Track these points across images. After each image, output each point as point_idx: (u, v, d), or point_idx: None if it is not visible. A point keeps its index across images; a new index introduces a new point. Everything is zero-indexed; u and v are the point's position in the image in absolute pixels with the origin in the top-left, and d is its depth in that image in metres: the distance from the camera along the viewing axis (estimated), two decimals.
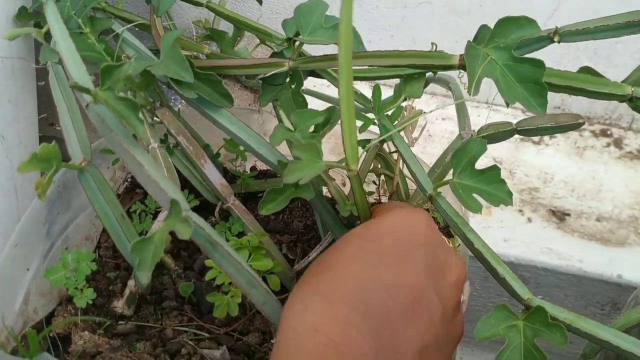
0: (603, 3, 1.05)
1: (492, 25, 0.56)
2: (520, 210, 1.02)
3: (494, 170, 0.53)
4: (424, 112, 0.65)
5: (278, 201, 0.58)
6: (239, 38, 0.85)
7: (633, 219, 1.01)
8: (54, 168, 0.53)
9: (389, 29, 1.18)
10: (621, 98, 0.56)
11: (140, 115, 0.54)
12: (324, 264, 0.47)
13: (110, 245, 0.72)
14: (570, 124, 0.61)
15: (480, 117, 1.21)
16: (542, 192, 1.06)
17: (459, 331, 0.50)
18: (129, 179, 0.79)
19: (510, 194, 0.54)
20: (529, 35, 0.55)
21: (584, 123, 0.61)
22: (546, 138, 1.15)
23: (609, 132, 1.17)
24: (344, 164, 0.51)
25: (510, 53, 0.54)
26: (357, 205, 0.56)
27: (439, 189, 0.57)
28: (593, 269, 0.93)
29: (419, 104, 0.70)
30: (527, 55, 0.53)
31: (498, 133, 0.65)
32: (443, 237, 0.53)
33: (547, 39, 0.57)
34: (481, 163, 0.54)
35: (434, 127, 1.17)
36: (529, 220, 1.01)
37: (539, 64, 0.52)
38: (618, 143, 1.16)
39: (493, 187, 0.54)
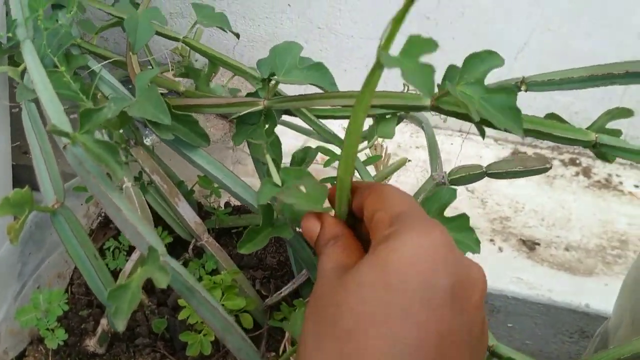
0: (570, 39, 1.08)
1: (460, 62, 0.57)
2: (492, 240, 1.04)
3: (462, 218, 0.55)
4: (409, 160, 0.66)
5: (257, 240, 0.59)
6: (213, 74, 0.85)
7: (601, 248, 1.04)
8: (26, 213, 0.53)
9: (364, 58, 1.20)
10: (585, 144, 0.58)
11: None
12: (341, 326, 0.39)
13: (83, 282, 0.72)
14: (538, 168, 0.63)
15: (453, 145, 1.23)
16: (513, 221, 1.08)
17: (486, 344, 0.43)
18: (103, 215, 0.79)
19: (478, 242, 0.55)
20: (494, 66, 0.57)
21: (550, 167, 0.63)
22: None
23: (577, 162, 1.20)
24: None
25: (482, 86, 0.55)
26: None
27: None
28: (562, 298, 0.95)
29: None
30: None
31: (468, 176, 0.66)
32: (457, 248, 0.43)
33: (515, 87, 0.59)
34: None
35: (408, 155, 1.19)
36: (500, 249, 1.02)
37: (511, 91, 0.54)
38: (587, 172, 1.18)
39: (462, 235, 0.55)
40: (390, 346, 0.38)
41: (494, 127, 0.55)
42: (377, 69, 0.41)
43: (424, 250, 0.40)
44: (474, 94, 0.54)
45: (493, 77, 1.12)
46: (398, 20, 0.37)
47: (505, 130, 0.54)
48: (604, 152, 0.59)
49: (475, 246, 0.53)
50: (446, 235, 0.41)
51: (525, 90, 0.60)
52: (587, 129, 0.61)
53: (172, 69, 1.01)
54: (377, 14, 1.13)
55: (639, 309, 0.56)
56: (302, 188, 0.49)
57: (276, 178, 0.59)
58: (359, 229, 0.48)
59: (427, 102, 0.58)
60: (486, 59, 0.55)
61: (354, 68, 1.21)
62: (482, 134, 0.62)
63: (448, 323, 0.39)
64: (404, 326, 0.38)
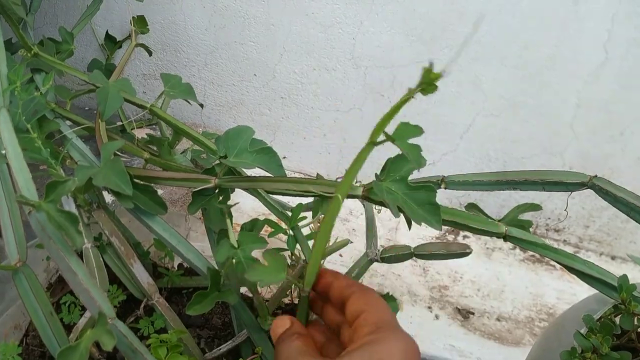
0: (510, 124, 1.18)
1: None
2: (430, 307, 1.11)
3: (391, 300, 0.62)
4: (351, 242, 0.73)
5: (204, 303, 0.66)
6: (177, 141, 0.92)
7: (529, 319, 1.11)
8: None
9: (322, 128, 1.28)
10: (497, 235, 0.66)
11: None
12: None
13: (38, 335, 0.76)
14: (458, 252, 0.71)
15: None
16: (451, 290, 1.15)
17: None
18: None
19: (397, 309, 0.63)
20: (415, 167, 0.65)
21: (470, 252, 0.71)
22: (459, 238, 1.25)
23: None
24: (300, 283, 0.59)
25: (405, 183, 0.63)
26: (300, 318, 0.63)
27: None
28: None
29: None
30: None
31: (398, 255, 0.73)
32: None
33: (437, 184, 0.67)
34: None
35: (358, 221, 1.26)
36: (437, 317, 1.10)
37: (430, 188, 0.62)
38: None
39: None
40: None
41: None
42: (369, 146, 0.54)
43: (402, 355, 0.49)
44: (397, 190, 0.62)
45: (438, 154, 1.21)
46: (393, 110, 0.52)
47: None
48: (514, 242, 0.67)
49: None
50: (414, 343, 0.51)
51: (445, 188, 0.68)
52: (500, 220, 0.69)
53: (139, 127, 1.08)
54: (334, 89, 1.22)
55: None
56: (263, 262, 0.58)
57: (233, 240, 0.66)
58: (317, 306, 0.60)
59: (359, 192, 0.66)
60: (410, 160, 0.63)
61: (313, 136, 1.29)
62: (409, 224, 0.70)
63: None
64: None
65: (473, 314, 1.11)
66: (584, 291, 1.20)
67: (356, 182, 0.70)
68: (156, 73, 1.29)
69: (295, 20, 1.15)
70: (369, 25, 1.12)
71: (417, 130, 0.54)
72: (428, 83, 0.47)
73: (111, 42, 1.23)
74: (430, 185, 0.62)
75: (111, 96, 0.84)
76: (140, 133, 1.07)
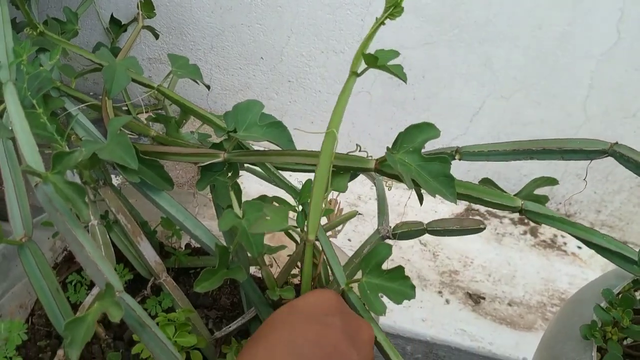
0: (521, 106, 1.16)
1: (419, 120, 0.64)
2: (440, 292, 1.09)
3: (398, 269, 0.60)
4: (359, 214, 0.72)
5: (212, 280, 0.64)
6: (184, 120, 0.91)
7: (541, 305, 1.10)
8: None
9: (330, 111, 1.26)
10: (513, 209, 0.64)
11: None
12: (258, 336, 0.56)
13: (44, 313, 0.75)
14: (472, 228, 0.69)
15: (410, 199, 1.30)
16: (462, 275, 1.13)
17: None
18: (68, 249, 0.83)
19: (413, 287, 0.61)
20: (431, 137, 0.63)
21: (484, 228, 0.69)
22: None
23: (526, 221, 1.27)
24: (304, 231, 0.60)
25: (419, 155, 0.62)
26: (304, 272, 0.62)
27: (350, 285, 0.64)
28: (502, 352, 1.00)
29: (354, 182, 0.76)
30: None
31: (411, 231, 0.72)
32: (350, 309, 0.61)
33: (451, 156, 0.65)
34: (408, 244, 0.62)
35: (366, 206, 1.25)
36: (447, 302, 1.08)
37: (445, 160, 0.61)
38: (534, 231, 1.25)
39: (397, 283, 0.61)
40: (295, 338, 0.53)
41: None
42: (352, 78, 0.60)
43: (319, 299, 0.59)
44: (411, 161, 0.60)
45: (447, 138, 1.20)
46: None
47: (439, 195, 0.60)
48: (530, 217, 0.65)
49: (411, 291, 0.59)
50: (338, 297, 0.60)
51: (460, 159, 0.66)
52: (516, 195, 0.67)
53: (146, 111, 1.07)
54: (342, 72, 1.20)
55: None
56: (267, 217, 0.58)
57: (237, 210, 0.64)
58: None
59: (371, 165, 0.64)
60: (424, 130, 0.61)
61: (321, 120, 1.28)
62: (420, 199, 0.69)
63: (339, 340, 0.54)
64: (303, 329, 0.54)
65: (484, 298, 1.09)
66: (596, 275, 1.18)
67: (368, 156, 0.69)
68: (162, 57, 1.28)
69: (303, 2, 1.13)
70: (378, 6, 1.11)
71: (393, 53, 0.59)
72: (394, 5, 0.50)
73: (116, 26, 1.21)
74: (445, 157, 0.61)
75: (118, 74, 0.83)
76: (144, 118, 1.05)
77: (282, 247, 0.75)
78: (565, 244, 1.23)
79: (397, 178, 0.65)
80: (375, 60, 0.57)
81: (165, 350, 0.55)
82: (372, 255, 0.61)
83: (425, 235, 0.75)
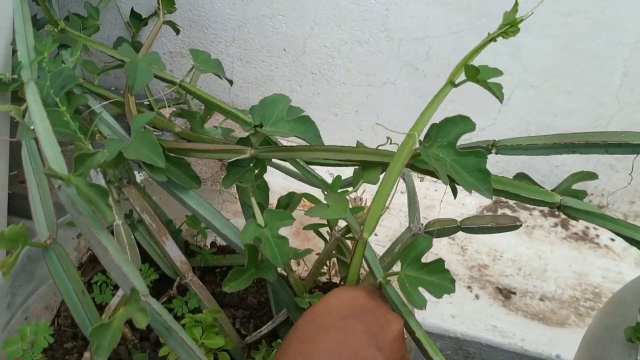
0: (552, 96, 1.13)
1: (450, 112, 0.62)
2: (469, 287, 1.07)
3: (438, 262, 0.58)
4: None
5: (241, 280, 0.63)
6: (208, 116, 0.89)
7: (574, 299, 1.07)
8: (20, 248, 0.56)
9: (354, 104, 1.24)
10: (551, 205, 0.62)
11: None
12: (282, 347, 0.55)
13: (70, 315, 0.74)
14: (508, 225, 0.66)
15: (437, 192, 1.27)
16: (491, 269, 1.11)
17: None
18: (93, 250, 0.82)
19: (453, 281, 0.59)
20: (466, 131, 0.61)
21: (520, 225, 0.67)
22: None
23: (556, 213, 1.24)
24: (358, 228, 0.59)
25: (454, 149, 0.59)
26: (351, 271, 0.61)
27: (388, 278, 0.62)
28: (534, 348, 0.98)
29: None
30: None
31: (444, 229, 0.70)
32: (382, 302, 0.60)
33: (487, 149, 0.63)
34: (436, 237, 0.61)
35: (393, 200, 1.22)
36: (477, 297, 1.05)
37: (481, 154, 0.58)
38: (565, 224, 1.22)
39: (437, 277, 0.59)
40: (312, 351, 0.52)
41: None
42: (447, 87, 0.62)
43: (341, 301, 0.57)
44: (446, 156, 0.58)
45: (475, 130, 1.17)
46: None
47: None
48: (569, 213, 0.63)
49: (451, 285, 0.57)
50: (366, 293, 0.58)
51: (496, 153, 0.64)
52: (553, 190, 0.65)
53: (168, 105, 1.06)
54: (367, 64, 1.18)
55: None
56: (326, 204, 0.59)
57: (260, 219, 0.62)
58: None
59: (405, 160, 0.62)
60: (459, 123, 0.59)
61: (345, 113, 1.25)
62: (454, 193, 0.66)
63: (361, 345, 0.52)
64: (321, 341, 0.52)
65: (515, 293, 1.06)
66: (630, 269, 1.15)
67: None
68: (183, 51, 1.26)
69: None
70: None
71: (496, 72, 0.59)
72: (511, 24, 0.48)
73: (136, 20, 1.20)
74: (481, 151, 0.58)
75: (140, 70, 0.81)
76: (166, 113, 1.04)
77: (308, 251, 0.73)
78: (597, 236, 1.19)
79: (431, 174, 0.63)
80: (477, 74, 0.56)
81: (192, 355, 0.54)
82: (411, 248, 0.59)
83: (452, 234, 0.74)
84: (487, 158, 0.59)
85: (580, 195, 0.67)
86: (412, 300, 0.58)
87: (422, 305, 0.58)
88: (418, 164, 0.62)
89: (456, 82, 0.60)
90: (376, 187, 0.62)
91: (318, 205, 0.61)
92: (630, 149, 0.55)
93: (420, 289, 0.59)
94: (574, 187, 0.68)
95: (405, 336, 0.60)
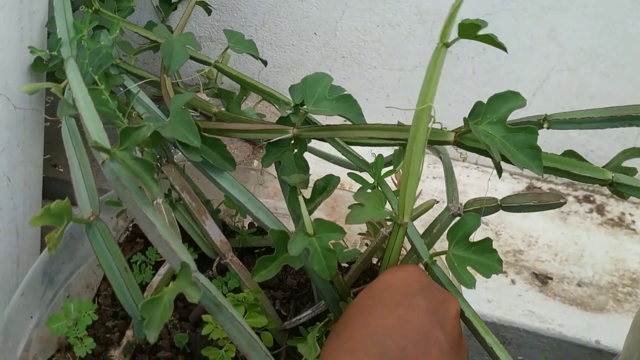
0: (588, 78, 1.11)
1: (483, 96, 0.60)
2: (505, 272, 1.05)
3: (486, 241, 0.57)
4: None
5: (270, 268, 0.61)
6: (244, 97, 0.88)
7: (612, 285, 1.05)
8: (65, 223, 0.56)
9: (385, 88, 1.23)
10: (602, 182, 0.60)
11: None
12: (341, 326, 0.54)
13: (110, 294, 0.74)
14: (552, 203, 0.65)
15: (469, 177, 1.26)
16: (526, 254, 1.09)
17: (465, 356, 0.56)
18: (130, 229, 0.82)
19: (500, 261, 0.58)
20: (516, 107, 0.60)
21: (565, 202, 0.65)
22: None
23: (592, 199, 1.22)
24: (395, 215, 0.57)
25: (504, 125, 0.58)
26: (391, 256, 0.59)
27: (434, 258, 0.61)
28: (572, 334, 0.96)
29: None
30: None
31: (484, 208, 0.68)
32: (433, 281, 0.58)
33: (538, 124, 0.61)
34: None
35: (424, 185, 1.21)
36: (513, 282, 1.04)
37: (532, 130, 0.57)
38: (600, 209, 1.20)
39: (485, 256, 0.58)
40: (376, 328, 0.51)
41: (512, 164, 0.57)
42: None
43: (398, 278, 0.56)
44: (495, 133, 0.57)
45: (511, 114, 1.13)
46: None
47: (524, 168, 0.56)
48: (620, 191, 0.61)
49: (498, 265, 0.56)
50: (420, 271, 0.57)
51: (548, 128, 0.62)
52: (604, 167, 0.63)
53: (202, 90, 1.05)
54: (399, 47, 1.16)
55: None
56: (360, 203, 0.57)
57: (309, 227, 0.60)
58: None
59: (451, 137, 0.61)
60: (509, 99, 0.57)
61: (376, 97, 1.24)
62: (499, 172, 0.65)
63: (424, 322, 0.51)
64: (384, 317, 0.51)
65: (551, 279, 1.05)
66: None
67: (444, 127, 0.65)
68: (212, 35, 1.25)
69: None
70: None
71: (478, 25, 0.53)
72: None
73: (166, 4, 1.19)
74: (532, 127, 0.57)
75: (176, 50, 0.81)
76: (200, 96, 1.03)
77: (355, 251, 0.72)
78: (633, 222, 1.17)
79: (478, 151, 0.62)
80: (475, 29, 0.53)
81: (242, 332, 0.53)
82: (459, 226, 0.58)
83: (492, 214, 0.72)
84: (537, 134, 0.57)
85: (631, 172, 0.65)
86: (462, 280, 0.57)
87: (472, 284, 0.57)
88: (465, 142, 0.61)
89: (449, 42, 0.57)
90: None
91: (353, 209, 0.57)
92: None
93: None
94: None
95: None
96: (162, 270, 0.69)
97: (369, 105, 1.25)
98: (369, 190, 0.66)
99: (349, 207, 0.58)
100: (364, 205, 0.57)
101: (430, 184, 1.21)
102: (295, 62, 1.24)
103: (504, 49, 0.53)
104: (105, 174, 0.60)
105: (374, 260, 0.81)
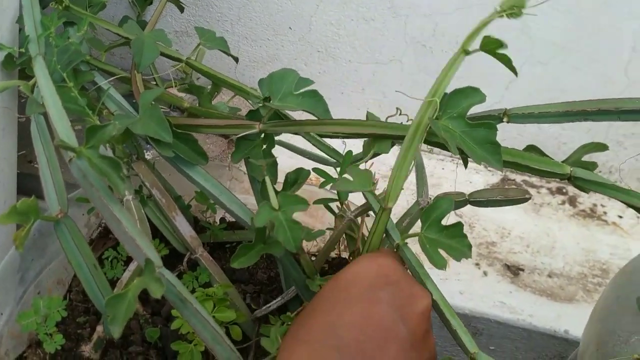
0: (559, 72, 1.12)
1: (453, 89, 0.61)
2: (477, 264, 1.07)
3: (457, 226, 0.58)
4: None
5: (249, 255, 0.62)
6: (216, 93, 0.89)
7: (582, 276, 1.07)
8: (32, 221, 0.56)
9: (360, 82, 1.24)
10: (561, 176, 0.61)
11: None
12: (303, 317, 0.54)
13: (81, 290, 0.75)
14: (517, 198, 0.66)
15: (444, 170, 1.27)
16: (499, 246, 1.11)
17: (431, 354, 0.56)
18: (103, 225, 0.82)
19: (470, 246, 0.59)
20: (476, 102, 0.61)
21: (530, 198, 0.67)
22: None
23: (564, 190, 1.23)
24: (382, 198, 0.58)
25: (464, 120, 0.59)
26: (373, 240, 0.61)
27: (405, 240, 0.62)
28: (542, 324, 0.98)
29: (386, 155, 0.74)
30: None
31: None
32: (407, 272, 0.59)
33: (498, 118, 0.63)
34: None
35: None
36: (485, 274, 1.06)
37: (491, 125, 0.58)
38: (572, 201, 1.22)
39: (455, 240, 0.59)
40: (336, 321, 0.51)
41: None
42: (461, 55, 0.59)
43: (367, 270, 0.56)
44: (455, 128, 0.58)
45: (482, 107, 1.16)
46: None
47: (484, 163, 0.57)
48: (579, 185, 0.62)
49: (468, 250, 0.57)
50: (392, 262, 0.57)
51: (508, 122, 0.63)
52: (563, 162, 0.64)
53: (174, 85, 1.05)
54: (373, 41, 1.17)
55: (604, 337, 0.59)
56: (349, 177, 0.59)
57: (274, 202, 0.61)
58: None
59: None
60: (470, 94, 0.59)
61: (351, 91, 1.25)
62: (465, 164, 0.66)
63: (386, 319, 0.51)
64: (346, 311, 0.52)
65: (523, 270, 1.07)
66: (638, 246, 1.15)
67: (408, 121, 0.66)
68: (188, 30, 1.26)
69: None
70: None
71: (501, 43, 0.58)
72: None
73: None
74: (491, 123, 0.58)
75: (147, 46, 0.81)
76: (174, 93, 1.04)
77: (321, 232, 0.73)
78: (605, 213, 1.19)
79: (440, 146, 0.63)
80: (497, 45, 0.57)
81: (206, 326, 0.54)
82: (432, 209, 0.59)
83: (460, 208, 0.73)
84: (497, 130, 0.58)
85: (591, 167, 0.67)
86: (433, 261, 0.58)
87: (442, 265, 0.58)
88: (427, 137, 0.62)
89: (470, 51, 0.59)
90: (384, 161, 0.62)
91: (342, 179, 0.60)
92: None
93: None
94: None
95: None
96: (132, 266, 0.69)
97: (345, 99, 1.26)
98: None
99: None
100: (354, 179, 0.58)
101: None
102: (271, 56, 1.25)
103: (515, 73, 0.56)
104: (73, 172, 0.60)
105: (345, 255, 0.83)
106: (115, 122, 0.58)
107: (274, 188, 0.62)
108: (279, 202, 0.60)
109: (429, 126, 0.58)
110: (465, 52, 0.57)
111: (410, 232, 0.65)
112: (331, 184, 0.67)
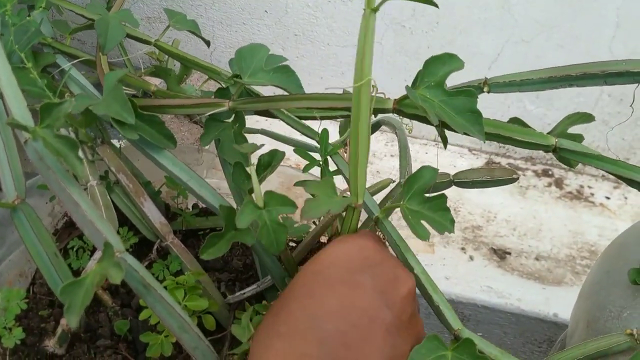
0: (543, 50, 1.10)
1: None
2: (463, 249, 1.04)
3: (440, 198, 0.55)
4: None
5: (219, 245, 0.58)
6: (185, 76, 0.85)
7: (570, 258, 1.04)
8: None
9: (339, 66, 1.21)
10: (545, 148, 0.58)
11: (80, 153, 0.54)
12: (278, 305, 0.50)
13: (45, 282, 0.71)
14: (505, 178, 0.63)
15: (428, 155, 1.24)
16: (485, 230, 1.08)
17: (419, 336, 0.52)
18: (68, 214, 0.78)
19: (452, 221, 0.55)
20: (454, 69, 0.57)
21: (518, 178, 0.64)
22: None
23: (550, 173, 1.21)
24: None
25: (442, 89, 0.56)
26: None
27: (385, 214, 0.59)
28: (531, 308, 0.96)
29: None
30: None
31: (436, 184, 0.66)
32: (389, 253, 0.55)
33: (478, 88, 0.59)
34: None
35: (382, 163, 1.19)
36: (471, 258, 1.03)
37: (471, 93, 0.55)
38: (559, 183, 1.20)
39: (438, 214, 0.55)
40: (316, 310, 0.47)
41: (455, 131, 0.55)
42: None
43: (347, 252, 0.52)
44: (433, 97, 0.55)
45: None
46: None
47: (465, 134, 0.54)
48: (565, 157, 0.59)
49: (450, 225, 0.53)
50: (374, 244, 0.53)
51: (488, 92, 0.60)
52: (548, 133, 0.61)
53: (142, 69, 1.02)
54: (352, 23, 1.14)
55: (594, 313, 0.56)
56: (312, 195, 0.54)
57: (259, 199, 0.57)
58: None
59: (389, 104, 0.59)
60: (447, 61, 0.56)
61: (330, 75, 1.22)
62: (444, 142, 0.63)
63: (369, 304, 0.48)
64: (326, 298, 0.48)
65: (510, 254, 1.04)
66: (626, 226, 1.12)
67: (386, 97, 0.63)
68: (162, 15, 1.22)
69: None
70: None
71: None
72: None
73: None
74: (471, 90, 0.55)
75: (112, 27, 0.77)
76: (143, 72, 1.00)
77: (306, 227, 0.69)
78: (592, 194, 1.17)
79: (419, 118, 0.60)
80: None
81: (173, 314, 0.51)
82: (415, 178, 0.55)
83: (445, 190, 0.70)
84: (477, 98, 0.55)
85: (578, 138, 0.64)
86: (416, 233, 0.54)
87: (425, 237, 0.55)
88: (405, 108, 0.59)
89: (376, 7, 0.54)
90: None
91: (307, 203, 0.54)
92: (630, 77, 0.52)
93: None
94: None
95: None
96: (97, 255, 0.66)
97: (324, 83, 1.22)
98: (318, 177, 0.64)
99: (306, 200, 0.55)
100: (316, 195, 0.54)
101: (387, 162, 1.19)
102: (247, 41, 1.21)
103: (435, 5, 0.51)
104: (28, 154, 0.56)
105: (324, 239, 0.79)
106: (71, 99, 0.54)
107: (239, 165, 0.58)
108: (264, 200, 0.56)
109: (372, 107, 0.54)
110: (373, 9, 0.52)
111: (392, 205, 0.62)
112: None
